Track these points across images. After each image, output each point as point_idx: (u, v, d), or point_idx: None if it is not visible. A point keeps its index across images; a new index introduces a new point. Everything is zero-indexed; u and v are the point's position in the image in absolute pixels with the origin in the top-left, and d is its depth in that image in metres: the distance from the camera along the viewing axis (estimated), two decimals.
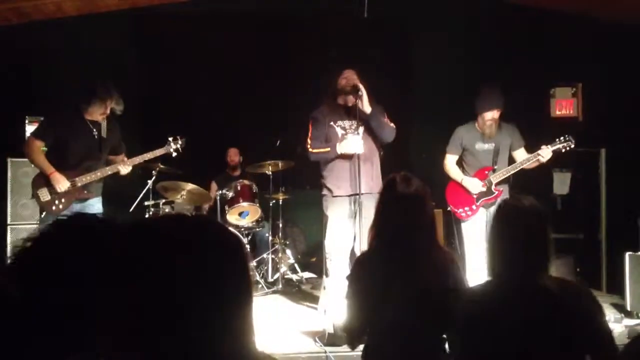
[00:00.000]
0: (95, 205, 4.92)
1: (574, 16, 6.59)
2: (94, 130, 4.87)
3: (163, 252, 1.14)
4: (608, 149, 6.27)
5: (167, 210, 6.27)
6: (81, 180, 4.75)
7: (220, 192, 6.57)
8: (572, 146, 5.18)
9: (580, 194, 6.48)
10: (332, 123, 4.89)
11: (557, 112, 6.37)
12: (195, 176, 6.36)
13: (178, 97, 7.10)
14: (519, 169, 5.23)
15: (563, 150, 5.18)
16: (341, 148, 4.77)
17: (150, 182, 6.15)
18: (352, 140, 4.74)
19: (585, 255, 6.39)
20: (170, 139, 5.22)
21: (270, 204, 6.67)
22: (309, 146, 4.94)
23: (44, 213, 4.78)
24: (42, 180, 4.73)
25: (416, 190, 2.59)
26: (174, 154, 5.23)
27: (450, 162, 5.43)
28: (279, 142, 6.59)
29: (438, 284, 2.53)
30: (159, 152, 5.13)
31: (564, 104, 6.34)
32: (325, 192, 4.92)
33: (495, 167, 5.26)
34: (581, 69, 6.32)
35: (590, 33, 6.36)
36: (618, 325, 4.69)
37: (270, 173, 6.57)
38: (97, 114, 4.83)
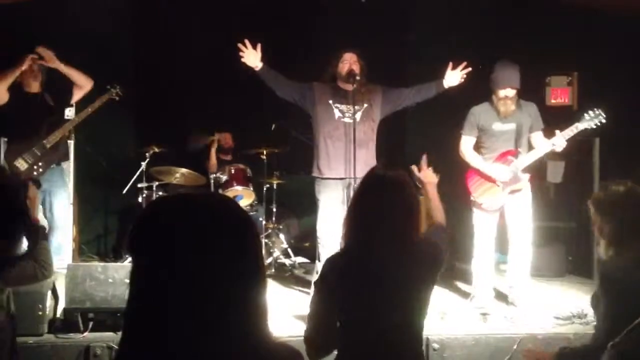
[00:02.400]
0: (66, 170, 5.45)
1: (570, 4, 6.57)
2: (37, 97, 5.24)
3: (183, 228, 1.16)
4: (602, 138, 6.28)
5: (160, 193, 6.25)
6: (48, 141, 5.09)
7: (214, 175, 6.55)
8: (603, 121, 4.73)
9: (574, 182, 6.50)
10: (330, 102, 4.88)
11: (553, 101, 6.37)
12: (187, 161, 6.35)
13: (171, 81, 7.05)
14: (543, 154, 4.84)
15: (594, 127, 4.75)
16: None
17: (143, 164, 6.12)
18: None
19: (577, 244, 6.42)
20: (109, 86, 5.47)
21: (265, 189, 6.66)
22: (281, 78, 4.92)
23: None
24: (14, 152, 5.06)
25: (397, 175, 2.43)
26: (117, 98, 5.49)
27: (466, 146, 4.98)
28: (274, 126, 6.57)
29: (425, 280, 2.41)
30: (104, 98, 5.38)
31: (560, 93, 6.34)
32: (315, 173, 4.92)
33: (520, 149, 4.86)
34: (577, 58, 6.31)
35: (586, 22, 6.35)
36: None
37: (265, 157, 6.55)
38: (28, 78, 5.16)
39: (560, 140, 4.71)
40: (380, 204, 2.35)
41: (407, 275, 2.35)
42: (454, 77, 4.95)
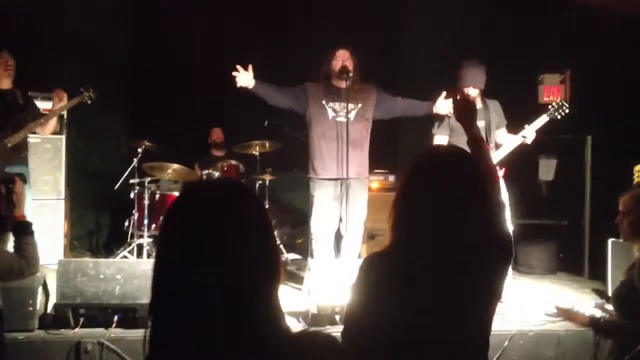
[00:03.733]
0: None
1: (563, 2, 6.58)
2: (8, 93, 5.04)
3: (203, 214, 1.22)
4: (594, 136, 6.30)
5: (152, 189, 6.23)
6: (10, 141, 4.88)
7: (207, 171, 6.53)
8: (567, 111, 4.86)
9: (565, 180, 6.52)
10: (323, 102, 4.87)
11: (545, 99, 6.38)
12: (179, 158, 6.33)
13: (163, 77, 7.04)
14: (513, 148, 4.90)
15: (559, 117, 4.88)
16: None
17: (135, 160, 6.10)
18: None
19: (568, 241, 6.45)
20: (82, 89, 5.19)
21: (257, 185, 6.65)
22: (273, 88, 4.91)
23: None
24: None
25: (459, 150, 1.98)
26: (89, 102, 5.22)
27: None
28: (267, 122, 6.56)
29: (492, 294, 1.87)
30: (75, 101, 5.15)
31: (552, 91, 6.35)
32: (311, 173, 4.92)
33: (491, 145, 4.91)
34: (570, 56, 6.33)
35: (578, 20, 6.36)
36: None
37: (258, 153, 6.54)
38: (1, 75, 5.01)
39: (529, 132, 4.86)
40: (445, 191, 1.80)
41: (473, 283, 1.81)
42: (444, 106, 4.90)
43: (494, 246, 1.84)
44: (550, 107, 4.93)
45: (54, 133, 5.65)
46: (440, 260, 1.76)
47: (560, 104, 4.92)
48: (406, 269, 1.77)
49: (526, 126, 4.89)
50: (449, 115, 4.87)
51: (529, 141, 4.90)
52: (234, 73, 4.73)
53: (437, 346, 1.78)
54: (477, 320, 1.84)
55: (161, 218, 5.75)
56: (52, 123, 5.20)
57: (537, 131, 4.91)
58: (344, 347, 1.72)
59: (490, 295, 1.85)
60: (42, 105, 5.51)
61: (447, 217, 1.77)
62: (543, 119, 4.88)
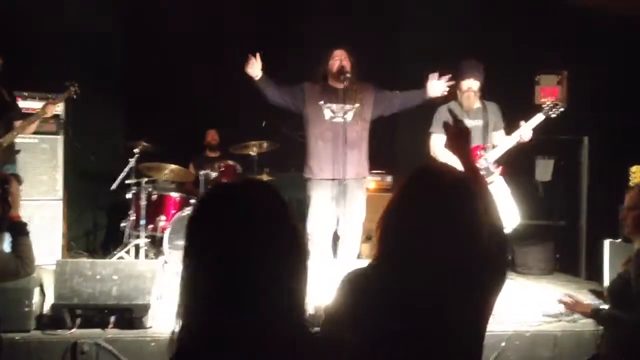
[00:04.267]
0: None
1: (561, 3, 6.59)
2: None
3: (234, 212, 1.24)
4: (591, 137, 6.31)
5: (149, 189, 6.22)
6: (5, 140, 4.93)
7: (203, 172, 6.51)
8: (561, 109, 4.93)
9: (562, 181, 6.53)
10: (321, 102, 4.86)
11: (542, 99, 6.36)
12: (177, 158, 6.33)
13: (161, 77, 7.03)
14: (512, 146, 4.93)
15: (553, 116, 4.93)
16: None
17: (132, 160, 6.09)
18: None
19: (565, 242, 6.46)
20: (67, 83, 5.31)
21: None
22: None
23: None
24: None
25: (456, 174, 1.90)
26: (75, 97, 5.35)
27: (438, 144, 4.98)
28: (265, 123, 6.55)
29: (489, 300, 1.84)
30: (63, 97, 5.30)
31: (549, 92, 6.35)
32: (307, 174, 4.92)
33: (487, 144, 5.00)
34: (567, 57, 6.33)
35: (576, 21, 6.37)
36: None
37: (255, 154, 6.53)
38: None
39: (526, 130, 4.90)
40: (437, 212, 1.78)
41: (462, 304, 1.77)
42: (437, 87, 4.93)
43: (486, 267, 1.80)
44: (544, 106, 4.99)
45: (49, 133, 5.67)
46: (428, 280, 1.72)
47: (554, 102, 4.99)
48: (384, 291, 1.74)
49: (522, 123, 4.93)
50: (444, 93, 4.95)
51: (525, 138, 4.93)
52: (250, 58, 4.77)
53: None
54: (468, 334, 1.82)
55: (173, 221, 5.76)
56: (36, 124, 5.24)
57: (534, 130, 4.95)
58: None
59: (482, 311, 1.84)
60: (28, 104, 5.57)
61: (434, 240, 1.74)
62: (539, 117, 4.92)
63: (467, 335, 1.81)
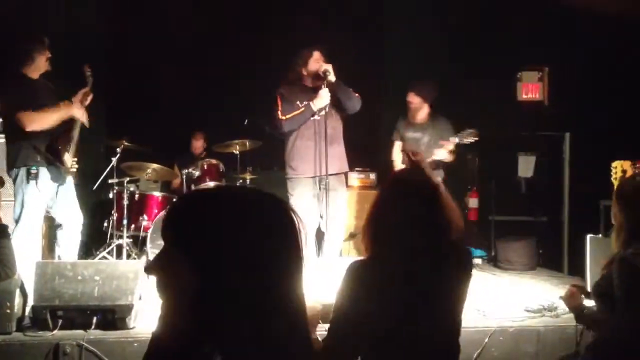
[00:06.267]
0: None
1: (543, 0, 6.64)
2: (49, 83, 4.81)
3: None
4: (572, 133, 6.36)
5: (132, 189, 6.18)
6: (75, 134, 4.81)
7: (187, 171, 6.48)
8: (476, 138, 5.26)
9: (544, 177, 6.57)
10: (298, 102, 4.85)
11: (524, 96, 6.42)
12: (159, 157, 6.29)
13: (143, 75, 6.98)
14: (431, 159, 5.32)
15: (468, 144, 5.30)
16: (318, 103, 4.75)
17: (114, 159, 6.03)
18: (324, 93, 4.74)
19: (547, 238, 6.50)
20: (88, 72, 5.03)
21: (238, 184, 6.61)
22: (281, 116, 4.84)
23: None
24: (55, 148, 4.67)
25: (425, 178, 2.34)
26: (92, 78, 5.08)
27: (397, 152, 5.72)
28: (246, 121, 6.53)
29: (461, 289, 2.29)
30: (89, 84, 5.01)
31: (530, 88, 6.39)
32: (289, 173, 4.92)
33: (429, 159, 5.40)
34: (548, 54, 6.37)
35: (557, 17, 6.41)
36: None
37: (238, 152, 6.51)
38: (42, 62, 4.72)
39: (442, 154, 5.30)
40: (413, 212, 2.19)
41: (443, 285, 2.22)
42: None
43: (454, 256, 2.26)
44: (463, 132, 5.33)
45: None
46: (411, 268, 2.14)
47: (470, 132, 5.31)
48: (384, 276, 2.13)
49: (450, 139, 5.29)
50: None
51: (444, 159, 5.33)
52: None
53: (414, 338, 2.15)
54: (447, 316, 2.25)
55: (155, 220, 5.71)
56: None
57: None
58: (330, 343, 2.13)
59: (456, 296, 2.26)
60: None
61: (414, 234, 2.16)
62: (454, 141, 5.28)
63: (447, 317, 2.24)
